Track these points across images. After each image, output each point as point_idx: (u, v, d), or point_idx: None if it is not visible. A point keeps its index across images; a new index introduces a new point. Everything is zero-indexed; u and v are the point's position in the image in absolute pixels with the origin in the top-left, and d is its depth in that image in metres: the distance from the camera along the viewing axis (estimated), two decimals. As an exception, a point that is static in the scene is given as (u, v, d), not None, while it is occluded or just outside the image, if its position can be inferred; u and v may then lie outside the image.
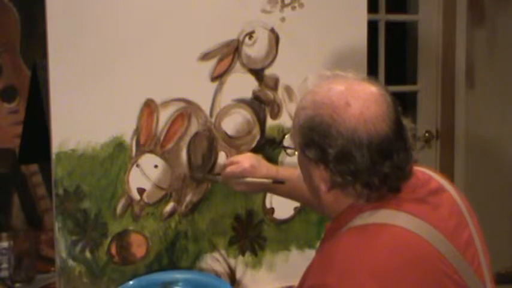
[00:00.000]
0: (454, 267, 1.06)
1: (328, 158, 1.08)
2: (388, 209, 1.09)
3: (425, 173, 1.20)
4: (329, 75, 1.16)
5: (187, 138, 1.65)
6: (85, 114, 1.55)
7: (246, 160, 1.54)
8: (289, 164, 1.69)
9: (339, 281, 1.01)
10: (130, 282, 1.59)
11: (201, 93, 1.66)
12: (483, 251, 1.14)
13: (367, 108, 1.07)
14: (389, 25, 2.49)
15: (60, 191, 1.55)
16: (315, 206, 1.25)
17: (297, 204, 1.79)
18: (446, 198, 1.16)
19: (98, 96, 1.56)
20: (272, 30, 1.72)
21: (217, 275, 1.71)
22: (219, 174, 1.61)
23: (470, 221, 1.16)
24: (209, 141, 1.68)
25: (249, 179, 1.52)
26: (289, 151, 1.27)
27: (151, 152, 1.62)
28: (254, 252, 1.76)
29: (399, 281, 1.01)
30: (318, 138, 1.09)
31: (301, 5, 1.75)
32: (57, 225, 1.55)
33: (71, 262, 1.57)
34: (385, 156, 1.07)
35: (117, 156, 1.58)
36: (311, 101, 1.12)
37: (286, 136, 1.42)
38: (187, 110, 1.65)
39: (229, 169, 1.54)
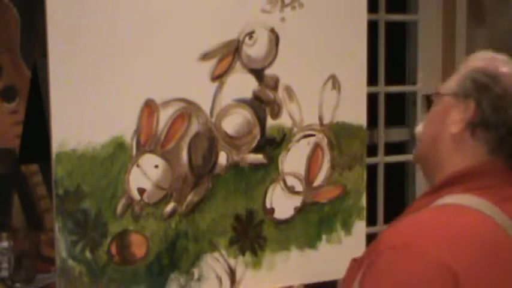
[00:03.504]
0: None
1: (488, 93, 1.14)
2: (477, 196, 1.12)
3: None
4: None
5: (187, 138, 1.65)
6: (85, 114, 1.55)
7: None
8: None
9: (414, 240, 1.04)
10: None
11: (201, 93, 1.66)
12: None
13: None
14: (389, 25, 2.49)
15: (60, 191, 1.55)
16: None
17: (297, 204, 1.79)
18: None
19: (98, 96, 1.56)
20: (272, 30, 1.72)
21: (218, 275, 1.71)
22: None
23: None
24: (209, 141, 1.68)
25: None
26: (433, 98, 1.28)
27: (151, 152, 1.62)
28: (254, 252, 1.76)
29: (471, 255, 1.04)
30: (484, 78, 1.16)
31: (301, 5, 1.75)
32: (57, 225, 1.55)
33: (71, 262, 1.57)
34: None
35: (118, 156, 1.58)
36: (484, 57, 1.21)
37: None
38: (188, 110, 1.65)
39: None
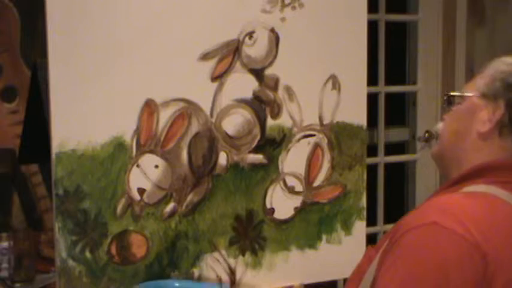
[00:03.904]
0: None
1: None
2: (501, 189, 1.14)
3: None
4: None
5: (187, 138, 1.65)
6: (85, 114, 1.55)
7: None
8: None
9: (442, 219, 1.05)
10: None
11: (201, 93, 1.66)
12: None
13: None
14: (389, 25, 2.49)
15: (60, 191, 1.55)
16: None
17: (297, 204, 1.79)
18: None
19: (98, 96, 1.56)
20: (272, 30, 1.72)
21: (218, 275, 1.71)
22: None
23: None
24: (210, 141, 1.68)
25: None
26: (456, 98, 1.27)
27: (151, 152, 1.62)
28: (254, 252, 1.76)
29: (499, 237, 1.06)
30: (508, 76, 1.18)
31: (301, 5, 1.75)
32: (57, 225, 1.55)
33: (71, 262, 1.57)
34: None
35: (118, 156, 1.58)
36: (509, 62, 1.22)
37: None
38: (188, 110, 1.65)
39: None
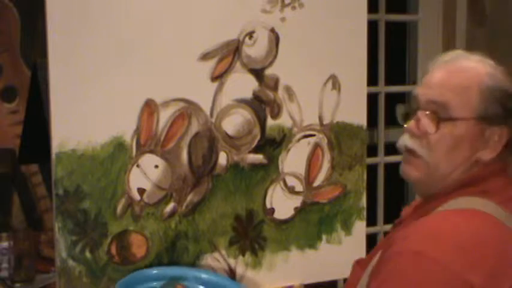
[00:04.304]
0: None
1: None
2: (482, 198, 1.12)
3: None
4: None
5: (187, 138, 1.65)
6: (85, 114, 1.55)
7: None
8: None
9: (427, 247, 1.03)
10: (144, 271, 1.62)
11: (201, 93, 1.66)
12: None
13: None
14: (389, 25, 2.49)
15: (60, 191, 1.55)
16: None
17: (297, 204, 1.79)
18: None
19: (98, 96, 1.56)
20: (272, 30, 1.72)
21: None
22: None
23: None
24: (210, 141, 1.68)
25: None
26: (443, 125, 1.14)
27: (151, 152, 1.62)
28: (254, 252, 1.76)
29: (486, 262, 1.03)
30: (504, 97, 1.13)
31: (301, 5, 1.75)
32: (57, 225, 1.55)
33: (71, 262, 1.57)
34: None
35: (117, 156, 1.58)
36: (488, 70, 1.16)
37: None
38: (188, 110, 1.65)
39: None
